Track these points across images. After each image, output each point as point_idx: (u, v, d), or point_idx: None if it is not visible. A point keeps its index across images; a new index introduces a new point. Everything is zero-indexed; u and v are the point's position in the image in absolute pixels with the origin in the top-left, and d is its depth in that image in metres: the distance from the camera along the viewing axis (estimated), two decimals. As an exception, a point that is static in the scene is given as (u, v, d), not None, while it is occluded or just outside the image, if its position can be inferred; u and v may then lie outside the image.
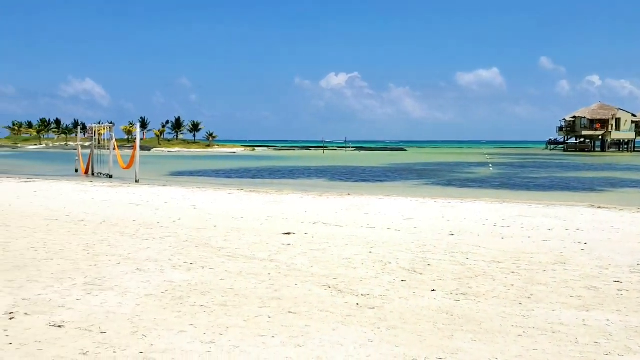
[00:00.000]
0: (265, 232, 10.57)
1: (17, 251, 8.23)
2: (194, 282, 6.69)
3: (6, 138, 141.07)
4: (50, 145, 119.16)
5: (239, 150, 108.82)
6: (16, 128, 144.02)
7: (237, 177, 33.61)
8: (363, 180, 31.99)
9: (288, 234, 10.34)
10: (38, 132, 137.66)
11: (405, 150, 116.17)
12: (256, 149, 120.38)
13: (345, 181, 30.84)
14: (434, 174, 38.27)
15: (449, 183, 29.43)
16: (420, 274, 7.26)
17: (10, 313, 5.32)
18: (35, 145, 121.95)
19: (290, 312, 5.55)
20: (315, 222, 11.90)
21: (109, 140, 29.98)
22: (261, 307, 5.72)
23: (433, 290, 6.45)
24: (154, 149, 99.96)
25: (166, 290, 6.28)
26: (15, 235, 9.61)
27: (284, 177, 33.49)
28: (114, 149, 28.76)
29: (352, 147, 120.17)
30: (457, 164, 53.30)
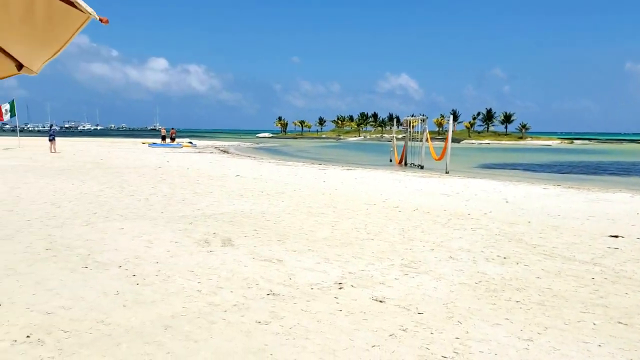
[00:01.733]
0: (587, 232, 9.63)
1: (343, 230, 9.20)
2: (507, 276, 6.48)
3: (331, 130, 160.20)
4: (367, 137, 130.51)
5: (554, 142, 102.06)
6: (339, 122, 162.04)
7: (551, 171, 31.51)
8: None
9: (616, 236, 9.21)
10: (358, 125, 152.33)
11: None
12: (575, 141, 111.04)
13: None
14: None
15: None
16: None
17: (340, 284, 5.96)
18: (355, 137, 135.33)
19: (619, 323, 4.92)
20: (649, 226, 10.34)
21: (422, 132, 31.24)
22: (584, 312, 5.21)
23: None
24: (464, 141, 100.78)
25: (480, 282, 6.23)
26: (341, 216, 10.75)
27: (610, 174, 30.01)
28: (427, 140, 29.87)
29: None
30: None
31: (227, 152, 44.46)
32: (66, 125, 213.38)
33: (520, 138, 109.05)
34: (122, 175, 18.17)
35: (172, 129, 56.80)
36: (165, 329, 4.51)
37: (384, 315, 4.99)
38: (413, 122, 33.96)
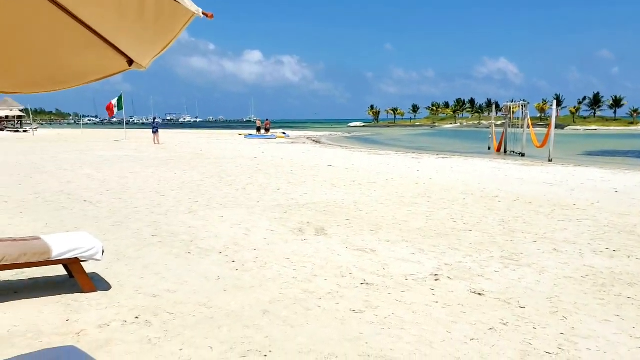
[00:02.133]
0: None
1: (439, 220, 9.00)
2: (617, 270, 6.07)
3: (425, 118, 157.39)
4: (464, 124, 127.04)
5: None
6: (434, 108, 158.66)
7: (667, 159, 29.12)
8: None
9: None
10: (453, 112, 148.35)
11: None
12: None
13: None
14: None
15: None
16: None
17: (435, 275, 5.84)
18: (450, 124, 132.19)
19: None
20: None
21: (522, 118, 29.92)
22: None
23: None
24: (568, 127, 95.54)
25: (586, 275, 5.87)
26: (436, 206, 10.53)
27: None
28: (528, 127, 28.56)
29: None
30: None
31: (319, 142, 44.96)
32: (168, 118, 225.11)
33: (631, 123, 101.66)
34: (221, 166, 18.88)
35: (267, 120, 58.27)
36: (264, 313, 4.64)
37: (483, 308, 4.84)
38: (513, 108, 32.52)
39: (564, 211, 10.01)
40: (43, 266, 4.93)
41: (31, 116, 63.16)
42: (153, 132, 35.57)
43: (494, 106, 39.90)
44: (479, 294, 5.22)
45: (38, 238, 5.09)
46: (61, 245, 4.87)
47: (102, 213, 9.35)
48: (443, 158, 25.19)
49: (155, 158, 22.36)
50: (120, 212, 9.48)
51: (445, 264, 6.27)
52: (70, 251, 4.86)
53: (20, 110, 65.15)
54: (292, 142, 41.55)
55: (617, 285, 5.53)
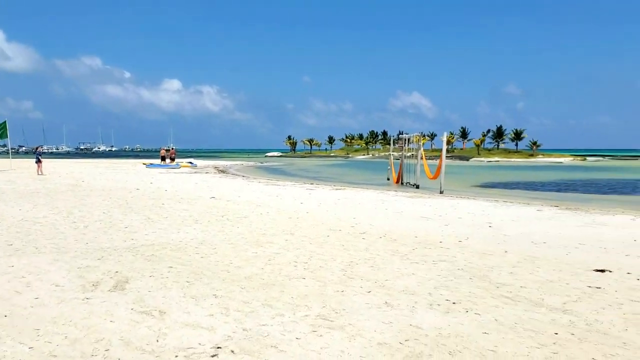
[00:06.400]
0: (569, 265, 8.20)
1: (278, 265, 7.82)
2: (446, 332, 5.09)
3: (340, 149, 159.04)
4: (376, 155, 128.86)
5: (566, 160, 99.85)
6: (348, 140, 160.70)
7: (553, 190, 29.84)
8: None
9: (602, 271, 7.80)
10: (366, 144, 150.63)
11: None
12: (588, 158, 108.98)
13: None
14: None
15: None
16: None
17: (218, 348, 4.58)
18: (363, 155, 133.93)
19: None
20: (644, 257, 8.87)
21: (417, 150, 29.89)
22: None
23: None
24: (473, 158, 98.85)
25: (406, 340, 4.84)
26: (291, 246, 9.40)
27: (620, 193, 27.93)
28: (421, 159, 28.48)
29: None
30: None
31: (225, 172, 43.35)
32: (81, 147, 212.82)
33: (531, 155, 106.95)
34: (85, 199, 16.97)
35: (172, 148, 56.14)
36: None
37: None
38: (414, 140, 32.48)
39: (424, 250, 9.16)
40: None
41: None
42: (36, 162, 32.70)
43: (391, 139, 39.90)
44: (254, 378, 4.02)
45: None
46: None
47: None
48: (337, 189, 24.41)
49: (19, 190, 20.01)
50: None
51: (243, 330, 5.05)
52: None
53: None
54: (195, 172, 39.70)
55: (436, 355, 4.52)
